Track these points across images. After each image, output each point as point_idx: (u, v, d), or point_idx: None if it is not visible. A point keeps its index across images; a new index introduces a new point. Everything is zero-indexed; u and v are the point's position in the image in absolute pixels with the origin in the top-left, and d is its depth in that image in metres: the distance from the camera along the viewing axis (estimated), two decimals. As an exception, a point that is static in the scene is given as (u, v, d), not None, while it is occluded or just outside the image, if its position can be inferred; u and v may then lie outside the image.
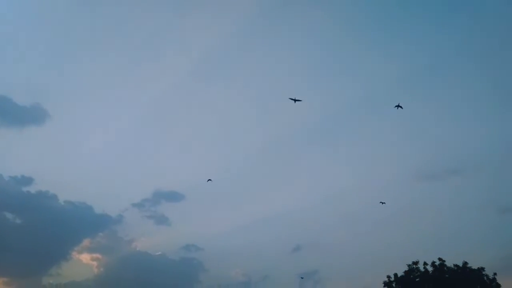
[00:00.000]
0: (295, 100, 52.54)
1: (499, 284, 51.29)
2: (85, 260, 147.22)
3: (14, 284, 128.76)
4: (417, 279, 54.10)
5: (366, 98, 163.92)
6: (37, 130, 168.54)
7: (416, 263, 55.20)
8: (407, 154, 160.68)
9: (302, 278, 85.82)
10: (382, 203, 63.50)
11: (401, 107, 56.18)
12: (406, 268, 55.49)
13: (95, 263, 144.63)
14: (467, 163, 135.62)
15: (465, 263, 53.06)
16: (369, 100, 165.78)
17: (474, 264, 53.19)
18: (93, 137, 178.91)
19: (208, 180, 65.83)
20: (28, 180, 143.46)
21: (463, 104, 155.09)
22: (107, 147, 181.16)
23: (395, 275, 55.84)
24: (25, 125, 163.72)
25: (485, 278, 51.61)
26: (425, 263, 54.50)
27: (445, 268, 53.17)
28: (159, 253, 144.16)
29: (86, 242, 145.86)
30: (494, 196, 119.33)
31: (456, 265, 53.15)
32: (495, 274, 51.83)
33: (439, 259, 54.00)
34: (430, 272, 53.71)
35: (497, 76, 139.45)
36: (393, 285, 55.55)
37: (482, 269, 52.48)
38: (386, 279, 56.29)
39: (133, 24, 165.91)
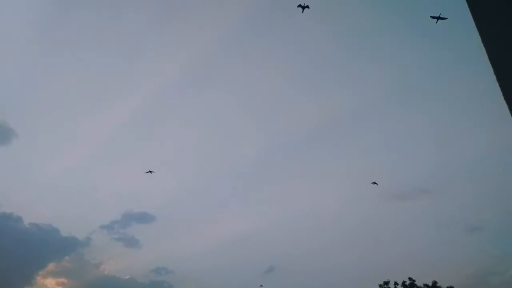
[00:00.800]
0: (303, 8, 45.94)
1: (468, 303, 52.10)
2: (50, 285, 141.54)
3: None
4: (388, 299, 54.47)
5: (336, 117, 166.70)
6: (2, 150, 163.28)
7: (387, 283, 55.55)
8: (376, 173, 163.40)
9: (261, 286, 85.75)
10: (375, 183, 63.29)
11: (443, 18, 45.89)
12: (378, 288, 55.76)
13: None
14: (435, 182, 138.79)
15: (435, 282, 53.70)
16: (338, 119, 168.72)
17: (443, 283, 54.05)
18: (60, 157, 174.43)
19: (149, 172, 59.51)
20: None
21: (431, 123, 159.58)
22: (75, 168, 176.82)
23: (367, 295, 56.10)
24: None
25: (454, 297, 52.39)
26: (395, 283, 54.91)
27: (415, 288, 53.75)
28: (128, 276, 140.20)
29: (51, 266, 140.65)
30: (461, 215, 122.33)
31: (426, 285, 53.76)
32: (463, 292, 52.71)
33: (409, 278, 54.56)
34: (401, 292, 54.16)
35: (469, 98, 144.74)
36: (365, 305, 55.75)
37: (452, 287, 53.21)
38: (358, 300, 56.42)
39: (108, 32, 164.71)
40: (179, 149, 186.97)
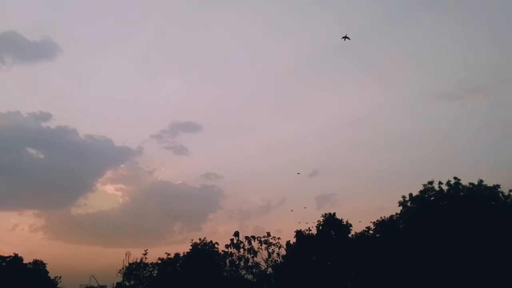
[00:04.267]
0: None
1: (514, 200, 51.34)
2: (109, 191, 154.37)
3: (44, 215, 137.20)
4: (432, 198, 54.66)
5: (380, 19, 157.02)
6: (49, 65, 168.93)
7: (431, 182, 55.38)
8: (424, 74, 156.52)
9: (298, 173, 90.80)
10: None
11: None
12: (422, 188, 55.81)
13: (119, 193, 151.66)
14: (488, 79, 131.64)
15: (481, 181, 52.86)
16: (383, 19, 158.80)
17: (489, 182, 52.90)
18: (106, 70, 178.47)
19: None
20: (46, 116, 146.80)
21: (483, 19, 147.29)
22: (121, 80, 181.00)
23: (410, 195, 56.40)
24: (38, 60, 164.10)
25: (501, 194, 51.70)
26: (440, 183, 54.69)
27: (460, 187, 53.34)
28: (180, 182, 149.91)
29: (109, 173, 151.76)
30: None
31: (471, 183, 53.16)
32: (510, 190, 51.71)
33: (454, 178, 53.93)
34: (445, 191, 54.06)
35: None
36: (408, 204, 56.42)
37: (498, 186, 52.28)
38: (402, 199, 57.06)
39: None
40: (220, 57, 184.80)
